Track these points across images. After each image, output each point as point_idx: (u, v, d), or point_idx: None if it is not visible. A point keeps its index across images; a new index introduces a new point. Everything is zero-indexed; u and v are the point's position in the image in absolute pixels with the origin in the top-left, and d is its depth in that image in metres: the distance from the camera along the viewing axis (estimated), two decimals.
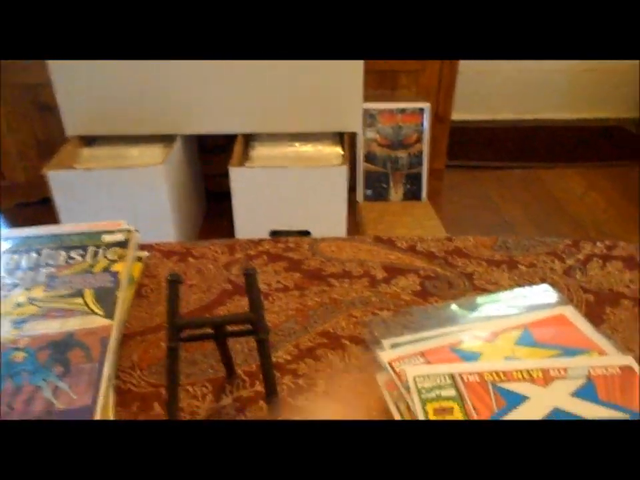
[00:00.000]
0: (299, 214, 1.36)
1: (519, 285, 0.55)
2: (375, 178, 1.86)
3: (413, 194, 1.89)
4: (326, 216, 1.35)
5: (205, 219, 1.86)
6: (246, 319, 0.34)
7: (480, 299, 0.52)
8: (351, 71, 1.39)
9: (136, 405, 0.42)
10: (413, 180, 1.89)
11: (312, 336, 0.49)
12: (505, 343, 0.45)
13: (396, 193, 1.88)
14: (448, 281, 0.56)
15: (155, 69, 1.39)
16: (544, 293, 0.53)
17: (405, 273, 0.58)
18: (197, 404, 0.42)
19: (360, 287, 0.55)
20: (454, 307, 0.51)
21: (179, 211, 1.44)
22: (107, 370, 0.41)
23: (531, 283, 0.56)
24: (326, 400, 0.42)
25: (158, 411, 0.42)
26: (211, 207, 1.94)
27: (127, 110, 1.45)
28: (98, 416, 0.37)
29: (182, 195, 1.50)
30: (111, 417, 0.40)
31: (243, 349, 0.48)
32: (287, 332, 0.49)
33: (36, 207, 1.93)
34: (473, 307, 0.51)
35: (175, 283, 0.33)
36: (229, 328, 0.37)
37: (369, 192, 1.88)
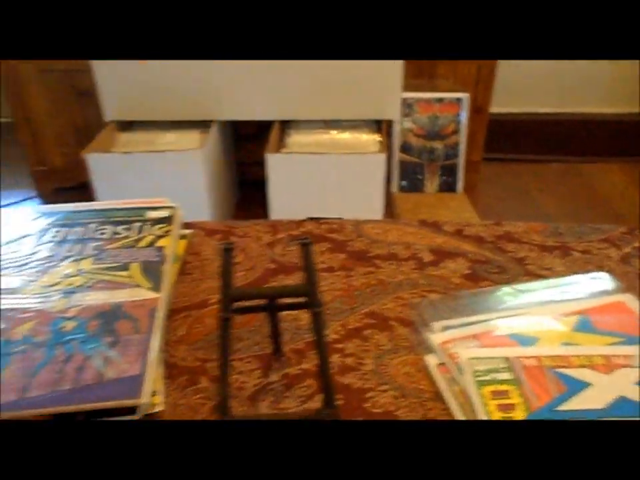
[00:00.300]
0: (335, 202, 1.35)
1: (574, 272, 0.53)
2: (410, 168, 1.84)
3: (448, 185, 1.86)
4: (362, 204, 1.34)
5: (236, 207, 1.87)
6: (301, 290, 0.33)
7: (534, 284, 0.50)
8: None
9: (183, 378, 0.42)
10: (449, 171, 1.85)
11: (359, 316, 0.48)
12: (563, 328, 0.44)
13: (431, 184, 1.86)
14: (499, 266, 0.54)
15: None
16: (600, 280, 0.51)
17: (453, 256, 0.56)
18: (243, 379, 0.42)
19: (407, 269, 0.54)
20: (507, 291, 0.49)
21: (214, 197, 1.44)
22: (155, 341, 0.41)
23: (586, 269, 0.53)
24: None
25: (205, 384, 0.41)
26: (242, 195, 1.94)
27: (164, 96, 1.45)
28: (146, 387, 0.37)
29: (217, 180, 1.50)
30: (160, 388, 0.40)
31: (289, 327, 0.47)
32: (334, 311, 0.48)
33: (73, 192, 1.97)
34: (527, 292, 0.49)
35: (229, 251, 0.33)
36: (282, 301, 0.36)
37: (404, 183, 1.86)
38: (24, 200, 1.98)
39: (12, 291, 0.46)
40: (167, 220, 0.56)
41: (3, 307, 0.44)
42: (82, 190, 1.91)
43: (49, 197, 2.01)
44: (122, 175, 1.33)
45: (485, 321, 0.45)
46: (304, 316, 0.48)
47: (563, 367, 0.39)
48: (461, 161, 1.85)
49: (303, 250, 0.34)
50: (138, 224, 0.55)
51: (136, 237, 0.53)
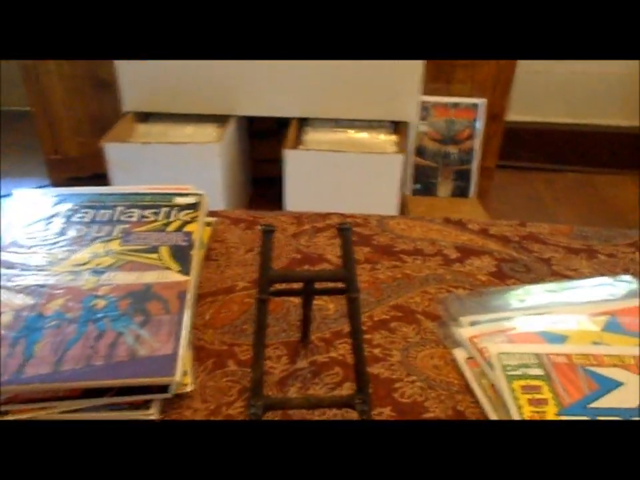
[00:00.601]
0: (351, 200, 1.35)
1: (600, 274, 0.53)
2: (424, 172, 1.83)
3: (461, 190, 1.85)
4: (378, 204, 1.34)
5: (249, 204, 1.87)
6: (339, 276, 0.33)
7: (561, 284, 0.50)
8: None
9: (211, 361, 0.42)
10: (462, 176, 1.85)
11: (385, 308, 0.48)
12: (592, 328, 0.43)
13: (444, 188, 1.85)
14: (525, 265, 0.54)
15: None
16: (627, 283, 0.51)
17: (478, 254, 0.56)
18: (272, 365, 0.42)
19: (433, 265, 0.54)
20: (535, 289, 0.49)
21: (229, 192, 1.45)
22: (186, 322, 0.41)
23: (612, 272, 0.53)
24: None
25: (233, 368, 0.41)
26: (255, 191, 1.94)
27: (183, 89, 1.46)
28: (179, 366, 0.37)
29: (233, 175, 1.50)
30: (189, 369, 0.40)
31: (315, 316, 0.47)
32: (361, 303, 0.48)
33: (86, 181, 1.97)
34: (555, 291, 0.49)
35: (269, 233, 0.33)
36: (317, 286, 0.36)
37: (418, 186, 1.86)
38: (37, 188, 1.99)
39: (42, 268, 0.46)
40: (193, 206, 0.56)
41: (34, 283, 0.44)
42: (95, 180, 1.92)
43: (62, 186, 2.01)
44: (139, 165, 1.33)
45: (513, 317, 0.45)
46: (330, 306, 0.48)
47: (595, 365, 0.39)
48: (475, 166, 1.85)
49: (341, 235, 0.34)
50: (166, 209, 0.55)
51: (165, 221, 0.53)
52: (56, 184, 2.01)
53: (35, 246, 0.49)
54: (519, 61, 1.91)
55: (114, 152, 1.33)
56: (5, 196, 0.57)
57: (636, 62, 2.41)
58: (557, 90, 2.53)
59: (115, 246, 0.50)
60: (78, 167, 2.02)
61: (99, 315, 0.41)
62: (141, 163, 1.33)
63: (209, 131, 1.49)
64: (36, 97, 1.90)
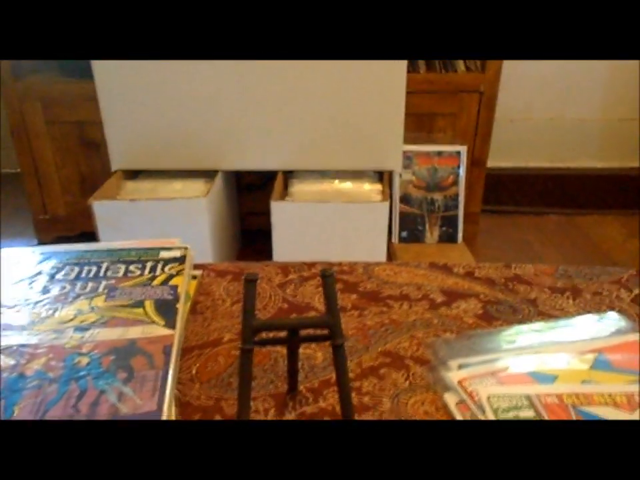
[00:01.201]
0: (339, 250, 1.36)
1: (586, 312, 0.53)
2: (411, 219, 1.86)
3: (448, 236, 1.87)
4: (366, 253, 1.35)
5: (238, 256, 1.87)
6: (323, 322, 0.33)
7: (548, 324, 0.50)
8: (392, 109, 1.41)
9: (197, 416, 0.41)
10: (449, 222, 1.87)
11: (374, 355, 0.48)
12: (581, 366, 0.43)
13: (431, 235, 1.87)
14: (511, 306, 0.54)
15: (198, 107, 1.43)
16: (614, 320, 0.51)
17: (465, 297, 0.56)
18: (259, 418, 0.41)
19: (420, 309, 0.54)
20: (522, 330, 0.49)
21: (217, 245, 1.45)
22: (171, 377, 0.40)
23: (598, 310, 0.54)
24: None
25: None
26: (244, 244, 1.95)
27: (170, 146, 1.49)
28: None
29: (221, 229, 1.51)
30: None
31: (303, 366, 0.46)
32: (349, 350, 0.48)
33: (74, 240, 1.97)
34: (542, 331, 0.49)
35: (251, 282, 0.33)
36: (303, 334, 0.36)
37: (404, 233, 1.87)
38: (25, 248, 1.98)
39: (25, 328, 0.46)
40: (179, 260, 0.56)
41: (15, 343, 0.43)
42: (83, 239, 1.92)
43: (50, 245, 2.01)
44: (127, 222, 1.34)
45: (501, 358, 0.45)
46: (318, 354, 0.48)
47: (585, 404, 0.39)
48: (461, 211, 1.87)
49: (324, 282, 0.34)
50: (151, 263, 0.55)
51: (150, 276, 0.53)
52: (44, 243, 2.01)
53: (18, 305, 0.49)
54: (496, 109, 1.97)
55: (102, 210, 1.34)
56: None
57: (610, 107, 2.50)
58: (534, 136, 2.60)
59: (99, 302, 0.49)
60: (66, 226, 2.02)
61: (82, 373, 0.40)
62: (130, 219, 1.34)
63: (197, 186, 1.51)
64: (26, 158, 1.92)
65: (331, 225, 1.34)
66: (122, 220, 1.34)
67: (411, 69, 1.80)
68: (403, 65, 1.38)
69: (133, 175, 1.59)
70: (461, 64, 1.86)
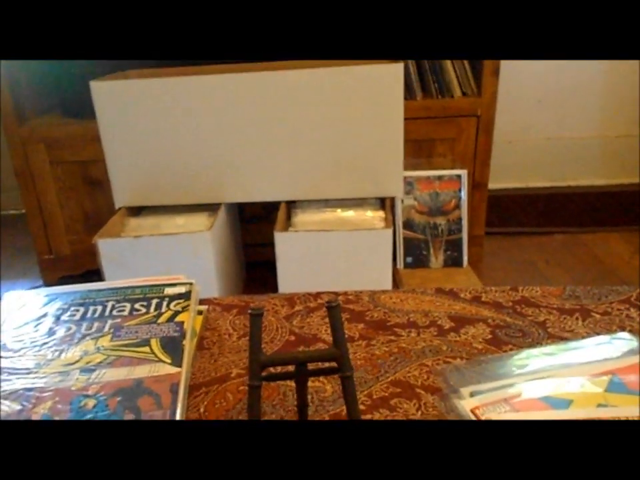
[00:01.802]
0: (344, 278, 1.35)
1: (597, 333, 0.52)
2: (415, 245, 1.85)
3: (453, 260, 1.87)
4: (371, 280, 1.34)
5: (244, 288, 1.87)
6: (330, 355, 0.33)
7: (559, 346, 0.49)
8: (391, 136, 1.42)
9: None
10: (453, 246, 1.87)
11: (384, 385, 0.47)
12: (595, 389, 0.42)
13: (436, 259, 1.87)
14: (520, 330, 0.54)
15: (199, 142, 1.45)
16: (625, 340, 0.50)
17: (473, 322, 0.55)
18: None
19: (428, 336, 0.53)
20: (533, 354, 0.48)
21: (223, 278, 1.45)
22: (178, 417, 0.39)
23: (609, 330, 0.53)
24: None
25: None
26: (249, 275, 1.94)
27: (172, 181, 1.50)
28: None
29: (225, 261, 1.51)
30: None
31: (312, 399, 0.46)
32: (358, 381, 0.47)
33: (79, 280, 1.97)
34: (553, 354, 0.48)
35: (257, 317, 0.32)
36: (310, 367, 0.35)
37: (409, 259, 1.87)
38: (30, 289, 1.99)
39: (30, 371, 0.45)
40: (184, 296, 0.56)
41: (21, 387, 0.43)
42: (88, 277, 1.93)
43: (55, 285, 2.01)
44: (132, 259, 1.34)
45: (514, 384, 0.44)
46: (328, 387, 0.47)
47: None
48: (465, 235, 1.87)
49: (330, 313, 0.33)
50: (156, 300, 0.55)
51: (155, 313, 0.53)
52: (49, 283, 2.01)
53: (23, 348, 0.48)
54: (494, 131, 1.99)
55: (107, 247, 1.34)
56: None
57: (608, 124, 2.52)
58: (534, 156, 2.62)
59: (105, 342, 0.49)
60: (71, 265, 2.03)
61: (88, 416, 0.40)
62: (134, 256, 1.34)
63: (200, 220, 1.51)
64: (31, 198, 1.94)
65: (336, 253, 1.34)
66: (127, 257, 1.34)
67: (408, 96, 1.82)
68: (400, 92, 1.40)
69: (137, 211, 1.60)
70: (457, 89, 1.88)
